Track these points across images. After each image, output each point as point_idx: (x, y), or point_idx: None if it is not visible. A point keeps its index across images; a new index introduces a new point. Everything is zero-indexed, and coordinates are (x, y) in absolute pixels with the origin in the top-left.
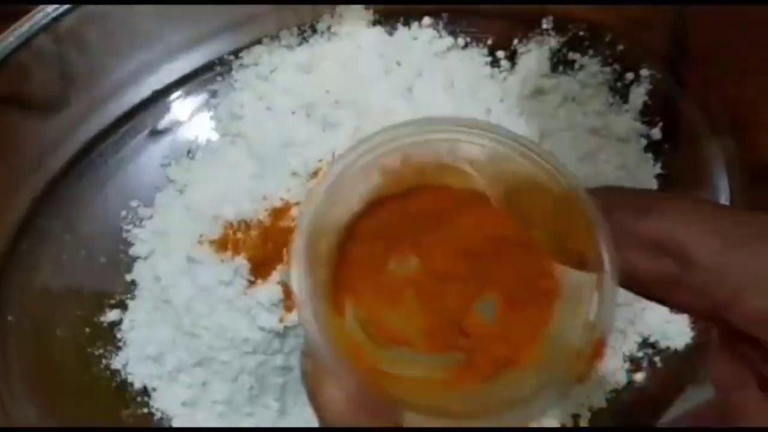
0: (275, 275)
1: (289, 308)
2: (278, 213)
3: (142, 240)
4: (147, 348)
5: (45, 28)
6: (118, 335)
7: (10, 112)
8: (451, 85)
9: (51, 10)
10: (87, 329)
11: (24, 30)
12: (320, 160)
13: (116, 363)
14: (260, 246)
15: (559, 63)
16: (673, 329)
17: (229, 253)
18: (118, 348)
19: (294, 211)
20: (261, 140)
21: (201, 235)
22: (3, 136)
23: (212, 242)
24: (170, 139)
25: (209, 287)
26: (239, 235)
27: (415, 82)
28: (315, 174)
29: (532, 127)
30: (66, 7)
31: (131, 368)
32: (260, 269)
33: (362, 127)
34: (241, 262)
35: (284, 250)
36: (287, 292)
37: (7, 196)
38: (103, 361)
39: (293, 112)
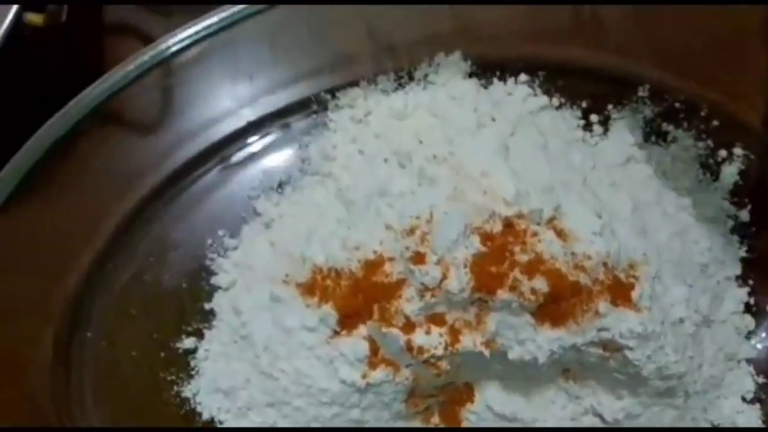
0: (362, 329)
1: (373, 365)
2: (371, 266)
3: (224, 270)
4: (220, 380)
5: (163, 62)
6: (192, 363)
7: (112, 130)
8: (545, 146)
9: (172, 43)
10: (162, 353)
11: (144, 60)
12: (417, 217)
13: (187, 391)
14: (350, 297)
15: (652, 133)
16: (745, 418)
17: (315, 299)
18: (191, 376)
19: (387, 267)
20: (352, 184)
21: (287, 275)
22: (100, 153)
23: (299, 284)
24: (260, 172)
25: (291, 330)
26: (328, 282)
27: (510, 140)
28: (411, 231)
29: (623, 198)
30: (185, 42)
31: (201, 398)
32: (347, 321)
33: (460, 188)
34: (329, 310)
35: (375, 306)
36: (374, 349)
37: (98, 216)
38: (174, 388)
39: (386, 159)
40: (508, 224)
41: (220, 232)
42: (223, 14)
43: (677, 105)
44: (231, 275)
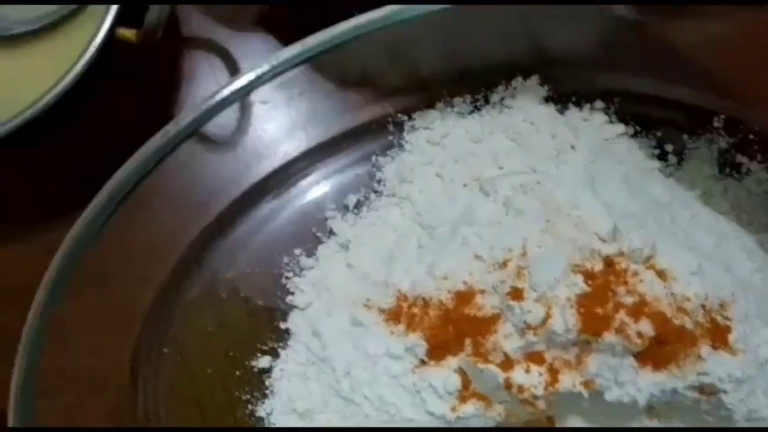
0: (452, 360)
1: (464, 399)
2: (462, 297)
3: (301, 290)
4: (296, 402)
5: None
6: (267, 382)
7: (193, 150)
8: (626, 177)
9: (261, 71)
10: (237, 372)
11: (238, 87)
12: (509, 249)
13: (261, 411)
14: (440, 328)
15: (726, 165)
16: None
17: (401, 327)
18: (265, 396)
19: (479, 299)
20: (431, 208)
21: (368, 299)
22: (181, 172)
23: (382, 310)
24: (336, 191)
25: (375, 356)
26: (415, 310)
27: (593, 170)
28: (504, 264)
29: (704, 233)
30: (271, 71)
31: (275, 418)
32: (436, 351)
33: (551, 220)
34: (417, 340)
35: (467, 339)
36: (465, 382)
37: (175, 233)
38: (249, 407)
39: (466, 185)
40: (608, 263)
41: (297, 251)
42: (307, 44)
43: (751, 137)
44: (308, 295)
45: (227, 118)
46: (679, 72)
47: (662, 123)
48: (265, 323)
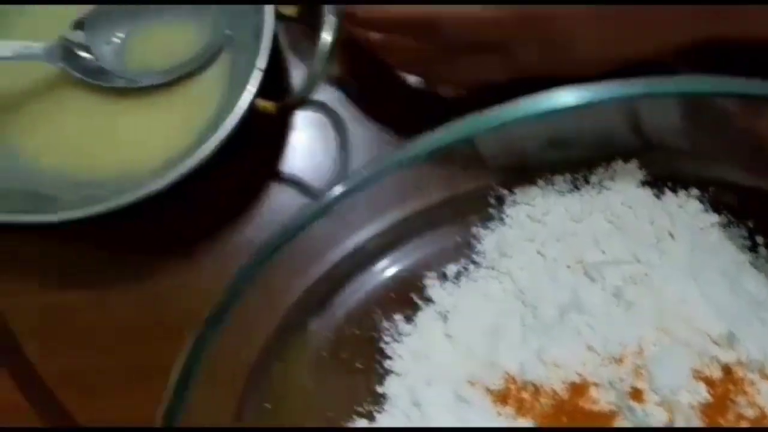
0: None
1: None
2: (576, 389)
3: (399, 356)
4: None
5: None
6: None
7: None
8: (724, 270)
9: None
10: None
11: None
12: (624, 345)
13: None
14: (552, 417)
15: None
16: None
17: (510, 410)
18: None
19: (594, 392)
20: (533, 287)
21: (473, 376)
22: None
23: (489, 390)
24: (435, 259)
25: None
26: (525, 395)
27: (694, 262)
28: (620, 360)
29: None
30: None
31: None
32: None
33: (664, 317)
34: (528, 425)
35: None
36: None
37: (280, 293)
38: None
39: (568, 267)
40: (726, 370)
41: (396, 317)
42: (432, 138)
43: None
44: (406, 362)
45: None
46: None
47: (754, 214)
48: (363, 386)
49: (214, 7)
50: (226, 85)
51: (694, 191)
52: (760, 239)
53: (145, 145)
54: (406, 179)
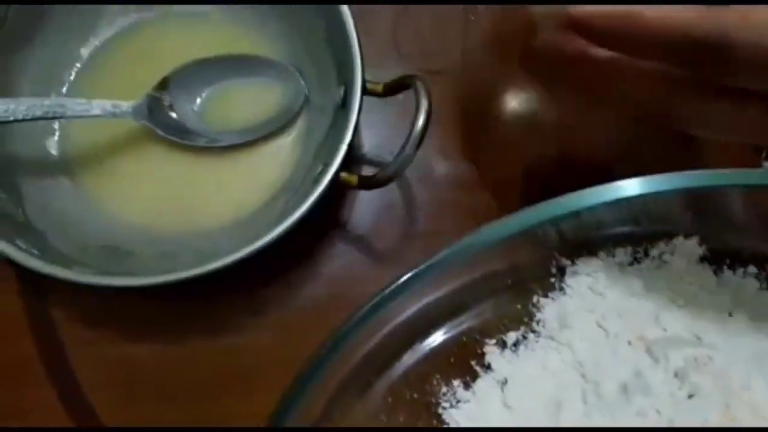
0: None
1: None
2: None
3: (457, 422)
4: None
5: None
6: None
7: None
8: None
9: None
10: None
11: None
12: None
13: None
14: None
15: None
16: None
17: None
18: None
19: None
20: (594, 361)
21: None
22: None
23: None
24: (496, 327)
25: None
26: None
27: (756, 345)
28: None
29: None
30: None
31: None
32: None
33: (728, 403)
34: None
35: None
36: None
37: (345, 356)
38: None
39: (629, 343)
40: None
41: (455, 383)
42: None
43: None
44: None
45: None
46: None
47: None
48: None
49: (294, 72)
50: (302, 147)
51: (752, 269)
52: None
53: (218, 203)
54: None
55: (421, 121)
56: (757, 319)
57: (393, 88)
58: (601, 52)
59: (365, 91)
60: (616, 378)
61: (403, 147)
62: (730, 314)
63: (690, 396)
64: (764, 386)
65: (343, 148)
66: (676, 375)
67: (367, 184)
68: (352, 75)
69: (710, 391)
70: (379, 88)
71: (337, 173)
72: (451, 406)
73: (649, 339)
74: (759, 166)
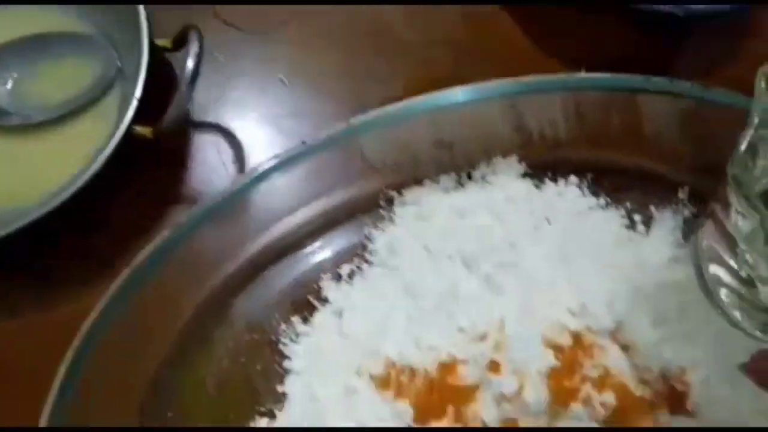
0: (434, 425)
1: None
2: (445, 368)
3: (297, 355)
4: None
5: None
6: None
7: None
8: (597, 248)
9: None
10: None
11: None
12: (489, 325)
13: None
14: (425, 395)
15: (690, 233)
16: None
17: (390, 393)
18: None
19: (462, 370)
20: (419, 281)
21: (360, 366)
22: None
23: (373, 377)
24: (331, 261)
25: (368, 422)
26: (403, 378)
27: (567, 246)
28: (482, 337)
29: (670, 301)
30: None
31: None
32: (422, 416)
33: (529, 298)
34: (404, 406)
35: (449, 406)
36: None
37: (178, 301)
38: None
39: (449, 257)
40: (576, 337)
41: (293, 319)
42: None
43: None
44: (304, 361)
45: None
46: (647, 150)
47: (630, 195)
48: (263, 386)
49: (105, 43)
50: (117, 116)
51: (573, 178)
52: (637, 217)
53: (37, 179)
54: (301, 188)
55: (190, 63)
56: (571, 224)
57: (179, 41)
58: None
59: (153, 47)
60: (435, 291)
61: (178, 91)
62: (547, 221)
63: (495, 295)
64: (566, 282)
65: (133, 103)
66: (485, 280)
67: (159, 133)
68: (139, 34)
69: (513, 289)
70: (167, 42)
71: (128, 129)
72: (292, 341)
73: (467, 253)
74: None
